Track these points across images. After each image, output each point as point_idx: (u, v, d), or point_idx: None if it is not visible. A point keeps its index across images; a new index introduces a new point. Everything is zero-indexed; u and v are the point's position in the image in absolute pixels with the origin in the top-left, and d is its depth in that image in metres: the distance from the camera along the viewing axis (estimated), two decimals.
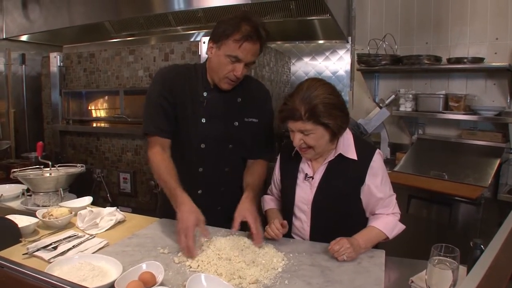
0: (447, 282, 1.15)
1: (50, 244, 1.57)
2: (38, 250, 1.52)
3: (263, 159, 2.00)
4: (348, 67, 3.97)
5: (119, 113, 3.54)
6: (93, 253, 1.53)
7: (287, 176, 1.80)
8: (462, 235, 2.67)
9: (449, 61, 3.24)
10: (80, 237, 1.69)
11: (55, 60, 3.70)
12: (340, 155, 1.66)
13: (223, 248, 1.52)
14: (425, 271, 1.23)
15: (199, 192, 1.89)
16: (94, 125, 3.78)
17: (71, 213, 1.89)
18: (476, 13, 3.31)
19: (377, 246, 1.68)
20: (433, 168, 3.03)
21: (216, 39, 1.74)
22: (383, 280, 1.36)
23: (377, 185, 1.65)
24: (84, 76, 3.66)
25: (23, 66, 4.22)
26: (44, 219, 1.81)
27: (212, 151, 1.88)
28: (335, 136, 1.62)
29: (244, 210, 1.66)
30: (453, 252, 1.18)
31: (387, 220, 1.67)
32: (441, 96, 3.29)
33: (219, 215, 1.77)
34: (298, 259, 1.52)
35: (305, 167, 1.73)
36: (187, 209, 1.58)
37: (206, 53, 1.82)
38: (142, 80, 3.36)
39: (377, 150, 1.69)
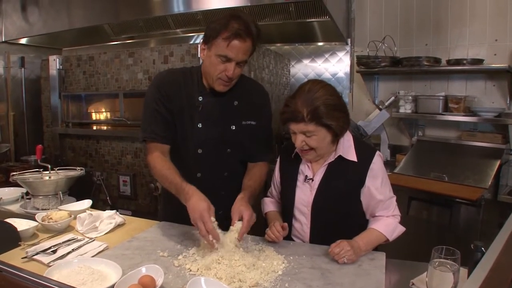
0: (448, 284, 1.15)
1: (49, 248, 1.57)
2: (37, 253, 1.51)
3: (264, 161, 1.98)
4: (347, 69, 3.97)
5: (118, 116, 3.54)
6: (92, 256, 1.52)
7: (287, 178, 1.80)
8: (462, 236, 2.67)
9: (449, 62, 3.24)
10: (80, 240, 1.69)
11: (55, 63, 3.70)
12: (340, 157, 1.65)
13: (223, 251, 1.51)
14: (425, 273, 1.23)
15: None
16: (94, 128, 3.78)
17: (71, 216, 1.88)
18: (475, 14, 3.31)
19: (377, 248, 1.67)
20: (433, 170, 3.02)
21: (206, 40, 1.73)
22: (383, 282, 1.36)
23: (377, 187, 1.65)
24: (83, 79, 3.66)
25: (23, 69, 4.22)
26: (43, 223, 1.81)
27: (209, 156, 1.86)
28: (337, 137, 1.62)
29: (240, 206, 1.63)
30: (454, 254, 1.18)
31: (387, 222, 1.66)
32: (441, 97, 3.28)
33: (220, 219, 1.74)
34: (298, 261, 1.52)
35: (305, 169, 1.73)
36: (197, 198, 1.57)
37: (199, 56, 1.82)
38: (141, 83, 3.36)
39: (377, 152, 1.69)
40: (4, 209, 2.29)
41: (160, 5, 3.34)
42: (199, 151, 1.85)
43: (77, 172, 2.50)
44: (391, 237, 1.65)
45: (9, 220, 1.74)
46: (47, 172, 2.42)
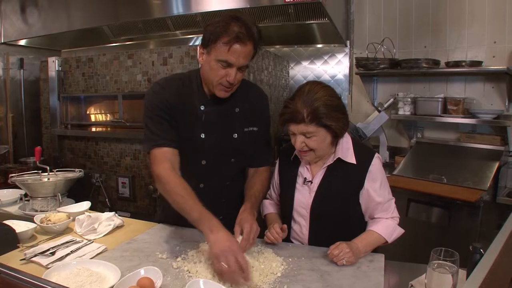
0: (447, 286, 1.15)
1: (48, 250, 1.56)
2: (35, 255, 1.51)
3: (265, 166, 1.94)
4: (346, 71, 3.98)
5: (117, 118, 3.53)
6: (91, 258, 1.52)
7: (286, 180, 1.80)
8: (461, 238, 2.66)
9: (448, 64, 3.25)
10: (78, 242, 1.69)
11: (54, 64, 3.70)
12: (339, 159, 1.65)
13: None
14: (424, 275, 1.23)
15: None
16: (93, 129, 3.77)
17: (69, 218, 1.88)
18: (474, 16, 3.32)
19: (376, 250, 1.67)
20: (432, 172, 3.02)
21: (205, 44, 1.63)
22: (382, 284, 1.36)
23: (376, 189, 1.65)
24: (82, 81, 3.66)
25: (22, 70, 4.21)
26: (42, 224, 1.81)
27: (213, 166, 1.80)
28: (336, 138, 1.62)
29: (240, 220, 1.59)
30: (453, 256, 1.18)
31: (386, 224, 1.66)
32: (440, 99, 3.29)
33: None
34: (297, 263, 1.52)
35: (304, 171, 1.73)
36: (226, 234, 1.44)
37: (198, 60, 1.72)
38: (140, 85, 3.36)
39: (376, 154, 1.69)
40: (3, 211, 2.29)
41: (159, 7, 3.34)
42: (203, 162, 1.79)
43: (76, 173, 2.50)
44: (390, 239, 1.64)
45: (7, 222, 1.73)
46: (46, 173, 2.42)
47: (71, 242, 1.68)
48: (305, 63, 4.16)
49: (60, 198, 2.31)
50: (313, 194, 1.69)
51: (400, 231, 1.68)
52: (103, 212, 1.99)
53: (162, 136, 1.69)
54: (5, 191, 2.54)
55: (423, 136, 3.61)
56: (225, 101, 1.75)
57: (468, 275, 1.18)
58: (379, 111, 3.56)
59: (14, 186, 2.40)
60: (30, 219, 1.88)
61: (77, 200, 2.31)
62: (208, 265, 1.43)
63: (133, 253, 1.58)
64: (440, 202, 2.77)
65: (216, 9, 3.08)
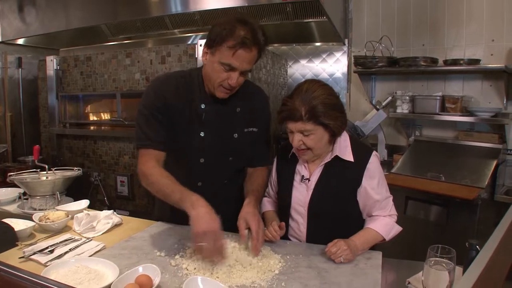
0: (444, 283, 1.15)
1: (47, 248, 1.57)
2: (34, 253, 1.51)
3: (263, 166, 1.95)
4: (345, 69, 3.98)
5: (116, 116, 3.53)
6: (89, 256, 1.52)
7: (284, 178, 1.80)
8: (459, 236, 2.67)
9: (446, 62, 3.25)
10: (77, 240, 1.69)
11: (52, 63, 3.70)
12: (337, 157, 1.66)
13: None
14: (421, 272, 1.23)
15: None
16: (91, 128, 3.77)
17: (68, 216, 1.89)
18: (472, 15, 3.32)
19: (374, 247, 1.68)
20: (430, 170, 3.03)
21: (210, 44, 1.62)
22: (380, 281, 1.36)
23: (373, 187, 1.65)
24: (81, 80, 3.66)
25: (20, 69, 4.21)
26: (40, 223, 1.81)
27: (212, 165, 1.81)
28: (334, 136, 1.63)
29: (246, 214, 1.60)
30: (450, 253, 1.18)
31: (384, 222, 1.67)
32: (438, 97, 3.29)
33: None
34: (295, 261, 1.52)
35: (301, 169, 1.73)
36: (206, 210, 1.46)
37: (202, 59, 1.71)
38: (139, 83, 3.36)
39: (374, 152, 1.69)
40: (1, 209, 2.29)
41: (157, 5, 3.34)
42: (201, 160, 1.79)
43: (75, 172, 2.50)
44: (388, 237, 1.65)
45: (6, 220, 1.73)
46: (44, 172, 2.42)
47: (69, 240, 1.68)
48: (303, 62, 4.16)
49: (58, 196, 2.31)
50: (310, 192, 1.69)
51: (398, 229, 1.69)
52: (101, 210, 1.99)
53: (150, 137, 1.71)
54: (3, 189, 2.54)
55: (421, 134, 3.62)
56: (226, 100, 1.75)
57: (464, 272, 1.19)
58: (377, 109, 3.57)
59: (12, 184, 2.40)
60: (28, 217, 1.88)
61: (76, 198, 2.31)
62: (207, 262, 1.44)
63: (132, 251, 1.59)
64: (438, 200, 2.79)
65: (214, 8, 3.08)
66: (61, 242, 1.65)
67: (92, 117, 3.88)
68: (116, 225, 1.90)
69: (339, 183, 1.67)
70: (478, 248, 1.15)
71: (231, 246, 1.56)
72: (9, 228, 1.65)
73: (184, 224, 1.59)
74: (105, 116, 3.83)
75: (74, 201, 2.27)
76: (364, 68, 3.54)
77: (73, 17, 3.67)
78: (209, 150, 1.79)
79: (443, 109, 3.29)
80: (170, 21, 3.75)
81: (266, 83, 3.49)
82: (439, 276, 1.16)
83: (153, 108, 1.71)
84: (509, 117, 3.05)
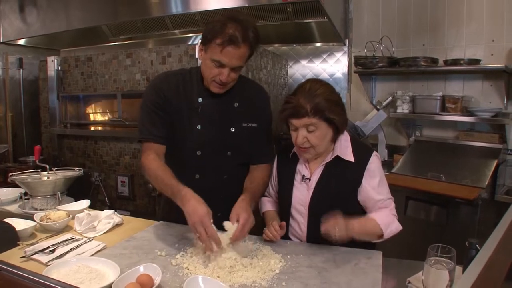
0: (444, 282, 1.15)
1: (48, 247, 1.57)
2: (35, 253, 1.52)
3: (265, 163, 1.95)
4: (345, 70, 3.99)
5: (116, 117, 3.54)
6: (90, 256, 1.53)
7: (284, 177, 1.80)
8: (459, 236, 2.66)
9: (446, 62, 3.26)
10: (78, 240, 1.69)
11: (53, 64, 3.70)
12: (338, 157, 1.66)
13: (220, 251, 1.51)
14: (422, 271, 1.24)
15: None
16: (92, 128, 3.78)
17: (69, 216, 1.89)
18: (472, 15, 3.33)
19: (374, 247, 1.68)
20: (430, 170, 3.03)
21: (203, 42, 1.70)
22: (380, 281, 1.36)
23: (374, 187, 1.66)
24: (81, 80, 3.67)
25: (21, 70, 4.22)
26: (41, 223, 1.81)
27: (209, 158, 1.84)
28: (337, 133, 1.64)
29: (239, 208, 1.62)
30: (450, 252, 1.18)
31: (385, 214, 1.64)
32: (438, 97, 3.30)
33: (220, 221, 1.72)
34: (295, 260, 1.53)
35: (302, 168, 1.74)
36: (195, 202, 1.52)
37: (197, 56, 1.79)
38: (139, 84, 3.36)
39: (374, 152, 1.70)
40: (3, 209, 2.29)
41: (158, 6, 3.35)
42: (198, 153, 1.82)
43: (75, 172, 2.51)
44: (386, 231, 1.61)
45: (7, 220, 1.74)
46: (45, 172, 2.42)
47: (70, 240, 1.69)
48: (303, 62, 4.17)
49: (59, 196, 2.32)
50: (311, 192, 1.69)
51: (397, 226, 1.66)
52: (102, 210, 1.99)
53: (151, 131, 1.79)
54: (4, 190, 2.54)
55: (421, 134, 3.63)
56: (223, 95, 1.80)
57: (464, 271, 1.19)
58: (378, 110, 3.57)
59: (14, 185, 2.40)
60: (30, 217, 1.89)
61: (77, 199, 2.31)
62: (207, 262, 1.44)
63: (132, 251, 1.59)
64: (438, 200, 2.79)
65: (215, 8, 3.09)
66: (62, 241, 1.66)
67: (93, 118, 3.88)
68: (117, 225, 1.90)
69: (340, 183, 1.67)
70: (478, 247, 1.15)
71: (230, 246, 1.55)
72: (11, 228, 1.66)
73: (186, 223, 1.60)
74: (106, 117, 3.83)
75: (75, 201, 2.28)
76: (364, 68, 3.54)
77: (74, 17, 3.67)
78: (206, 143, 1.83)
79: (444, 109, 3.29)
80: (170, 21, 3.75)
81: (266, 83, 3.50)
82: (439, 276, 1.16)
83: (153, 105, 1.80)
84: (509, 117, 3.05)
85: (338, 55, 4.00)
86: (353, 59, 3.71)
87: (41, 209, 2.22)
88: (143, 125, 1.82)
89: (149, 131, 1.79)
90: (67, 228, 1.87)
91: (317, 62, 4.10)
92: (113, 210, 1.98)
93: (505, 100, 3.23)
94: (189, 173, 1.82)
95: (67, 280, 1.27)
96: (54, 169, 2.47)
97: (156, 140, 1.79)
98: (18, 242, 1.63)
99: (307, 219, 1.71)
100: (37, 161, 2.61)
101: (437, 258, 1.19)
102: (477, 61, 3.18)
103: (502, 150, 3.11)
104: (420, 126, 3.64)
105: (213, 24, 1.65)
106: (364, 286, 1.33)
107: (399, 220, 1.70)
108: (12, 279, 0.99)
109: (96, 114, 3.88)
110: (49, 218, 1.84)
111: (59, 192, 2.32)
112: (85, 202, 2.15)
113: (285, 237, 1.75)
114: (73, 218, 1.90)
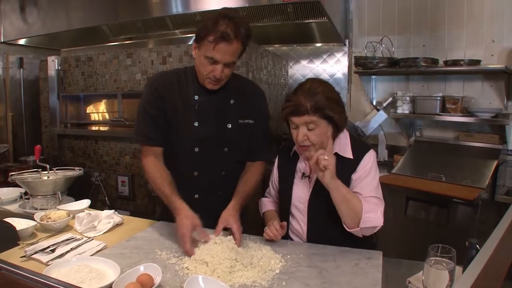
0: (444, 282, 1.15)
1: (48, 247, 1.57)
2: (36, 252, 1.52)
3: (262, 160, 1.97)
4: (345, 70, 3.99)
5: (117, 117, 3.54)
6: (91, 255, 1.53)
7: (285, 176, 1.81)
8: (459, 236, 2.66)
9: (446, 63, 3.25)
10: (78, 239, 1.69)
11: (53, 63, 3.71)
12: (337, 154, 1.67)
13: (221, 250, 1.51)
14: (422, 271, 1.24)
15: (195, 196, 1.88)
16: (92, 128, 3.78)
17: (69, 216, 1.89)
18: (472, 15, 3.33)
19: (374, 247, 1.68)
20: (430, 170, 3.03)
21: (197, 39, 1.72)
22: (380, 281, 1.36)
23: (359, 178, 1.63)
24: (82, 80, 3.67)
25: (21, 69, 4.22)
26: (42, 222, 1.81)
27: (206, 154, 1.86)
28: (337, 131, 1.65)
29: (228, 216, 1.66)
30: (450, 252, 1.18)
31: (371, 203, 1.58)
32: (438, 98, 3.30)
33: (218, 219, 1.74)
34: (295, 260, 1.53)
35: (302, 166, 1.75)
36: (183, 215, 1.60)
37: (192, 53, 1.81)
38: (140, 84, 3.37)
39: (371, 150, 1.70)
40: (3, 209, 2.29)
41: (158, 6, 3.35)
42: (196, 149, 1.84)
43: (76, 172, 2.51)
44: (363, 216, 1.53)
45: (8, 220, 1.74)
46: (46, 172, 2.42)
47: (71, 240, 1.68)
48: (304, 62, 4.17)
49: (60, 196, 2.31)
50: (311, 189, 1.70)
51: (377, 221, 1.55)
52: (102, 210, 2.00)
53: (145, 134, 1.84)
54: (5, 189, 2.54)
55: (421, 135, 3.63)
56: (219, 92, 1.83)
57: (464, 271, 1.19)
58: (378, 110, 3.58)
59: (14, 184, 2.40)
60: (30, 217, 1.89)
61: (77, 199, 2.31)
62: (207, 261, 1.44)
63: (133, 250, 1.59)
64: (438, 201, 2.78)
65: (215, 8, 3.07)
66: (62, 241, 1.66)
67: (93, 117, 3.88)
68: (117, 225, 1.90)
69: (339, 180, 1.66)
70: (478, 247, 1.15)
71: (230, 246, 1.55)
72: (11, 227, 1.66)
73: None
74: (106, 116, 3.84)
75: (75, 201, 2.28)
76: (364, 69, 3.54)
77: (74, 17, 3.68)
78: (204, 139, 1.85)
79: (444, 109, 3.30)
80: (171, 21, 3.76)
81: (267, 83, 3.50)
82: (439, 276, 1.16)
83: (148, 104, 1.84)
84: (509, 118, 3.05)
85: (339, 55, 4.00)
86: (353, 60, 3.71)
87: (41, 209, 2.22)
88: (139, 127, 1.87)
89: (144, 135, 1.85)
90: (67, 227, 1.87)
91: (318, 62, 4.10)
92: (113, 210, 1.98)
93: (505, 100, 3.23)
94: (188, 170, 1.86)
95: (68, 279, 1.27)
96: (55, 168, 2.47)
97: (151, 143, 1.84)
98: (18, 242, 1.63)
99: (307, 216, 1.72)
100: (37, 160, 2.61)
101: (437, 258, 1.19)
102: (477, 62, 3.18)
103: (502, 151, 3.11)
104: (420, 127, 3.64)
105: (205, 22, 1.67)
106: (364, 286, 1.33)
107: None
108: (13, 278, 0.99)
109: (97, 114, 3.88)
110: (49, 218, 1.84)
111: (59, 192, 2.32)
112: (86, 202, 2.15)
113: (285, 235, 1.76)
114: (73, 217, 1.90)
